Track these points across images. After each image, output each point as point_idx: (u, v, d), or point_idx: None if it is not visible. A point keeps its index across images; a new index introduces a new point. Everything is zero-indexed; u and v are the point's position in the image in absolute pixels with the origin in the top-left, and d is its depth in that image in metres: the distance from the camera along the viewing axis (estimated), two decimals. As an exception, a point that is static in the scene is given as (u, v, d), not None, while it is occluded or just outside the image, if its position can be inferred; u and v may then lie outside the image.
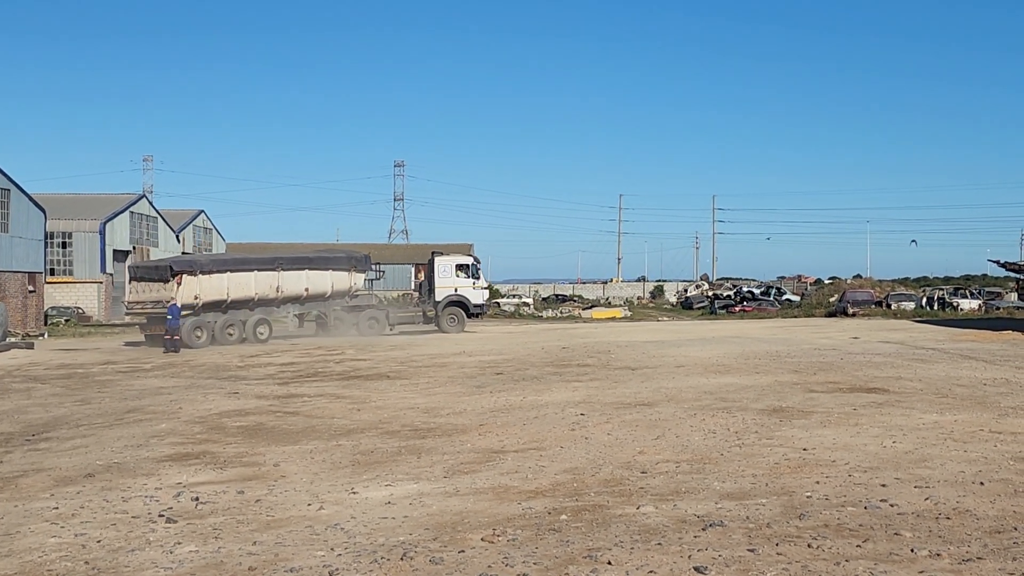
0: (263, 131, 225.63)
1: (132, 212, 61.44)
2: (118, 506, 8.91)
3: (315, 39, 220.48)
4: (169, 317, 33.29)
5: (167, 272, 37.43)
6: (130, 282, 38.48)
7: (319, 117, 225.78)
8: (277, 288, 39.95)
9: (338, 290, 41.92)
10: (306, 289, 40.79)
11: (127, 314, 40.17)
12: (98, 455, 11.85)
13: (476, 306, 44.09)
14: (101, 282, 56.35)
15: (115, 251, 58.14)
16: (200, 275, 37.78)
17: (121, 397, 18.41)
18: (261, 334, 38.67)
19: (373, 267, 44.57)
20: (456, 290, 43.45)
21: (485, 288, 45.92)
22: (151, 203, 67.95)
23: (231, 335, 37.85)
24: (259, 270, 39.99)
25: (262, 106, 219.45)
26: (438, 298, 43.35)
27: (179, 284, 37.27)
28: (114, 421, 15.03)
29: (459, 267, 43.95)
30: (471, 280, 43.91)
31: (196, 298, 37.36)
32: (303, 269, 41.06)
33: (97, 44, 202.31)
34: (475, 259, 45.44)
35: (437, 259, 44.31)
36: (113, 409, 16.59)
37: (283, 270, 40.38)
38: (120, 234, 59.25)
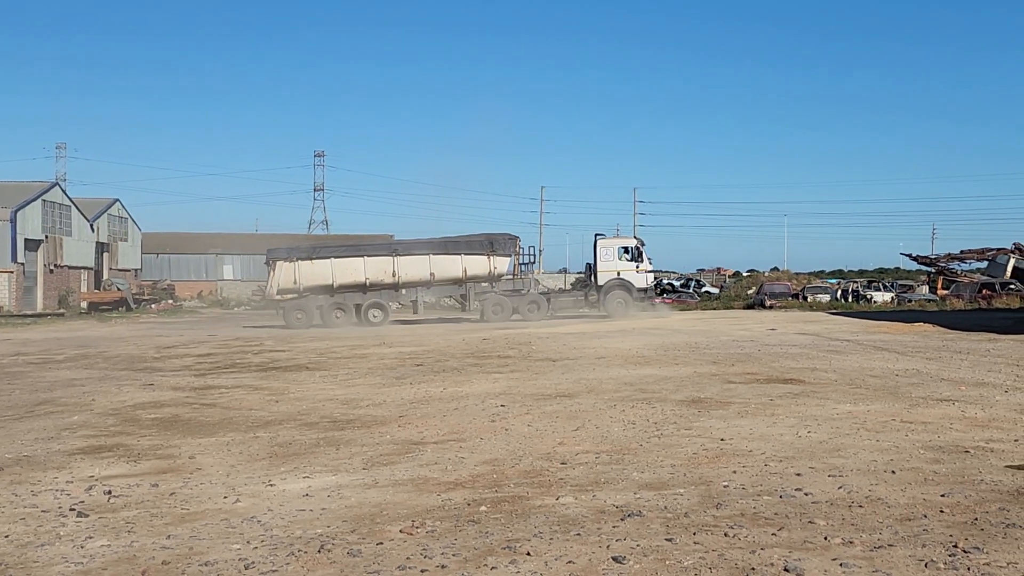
0: (180, 121, 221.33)
1: (44, 200, 60.03)
2: (27, 500, 8.68)
3: (232, 29, 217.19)
4: None
5: (266, 259, 41.13)
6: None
7: (237, 106, 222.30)
8: (393, 273, 40.26)
9: (474, 275, 41.43)
10: (432, 274, 40.83)
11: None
12: (7, 449, 11.54)
13: (640, 290, 42.29)
14: (12, 272, 54.95)
15: (27, 240, 56.76)
16: (298, 261, 39.54)
17: (32, 389, 17.96)
18: (375, 317, 39.86)
19: (522, 250, 43.37)
20: (619, 273, 42.05)
21: (650, 271, 43.87)
22: (64, 191, 66.48)
23: (338, 318, 39.46)
24: (369, 256, 40.65)
25: (178, 95, 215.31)
26: (600, 282, 42.09)
27: (274, 270, 39.87)
28: (24, 413, 14.66)
29: (622, 249, 42.48)
30: (634, 263, 42.29)
31: (295, 282, 39.53)
32: (425, 254, 41.02)
33: (7, 31, 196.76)
34: (639, 241, 43.60)
35: (599, 241, 42.97)
36: (23, 401, 16.17)
37: (399, 255, 40.60)
38: (32, 223, 57.88)
